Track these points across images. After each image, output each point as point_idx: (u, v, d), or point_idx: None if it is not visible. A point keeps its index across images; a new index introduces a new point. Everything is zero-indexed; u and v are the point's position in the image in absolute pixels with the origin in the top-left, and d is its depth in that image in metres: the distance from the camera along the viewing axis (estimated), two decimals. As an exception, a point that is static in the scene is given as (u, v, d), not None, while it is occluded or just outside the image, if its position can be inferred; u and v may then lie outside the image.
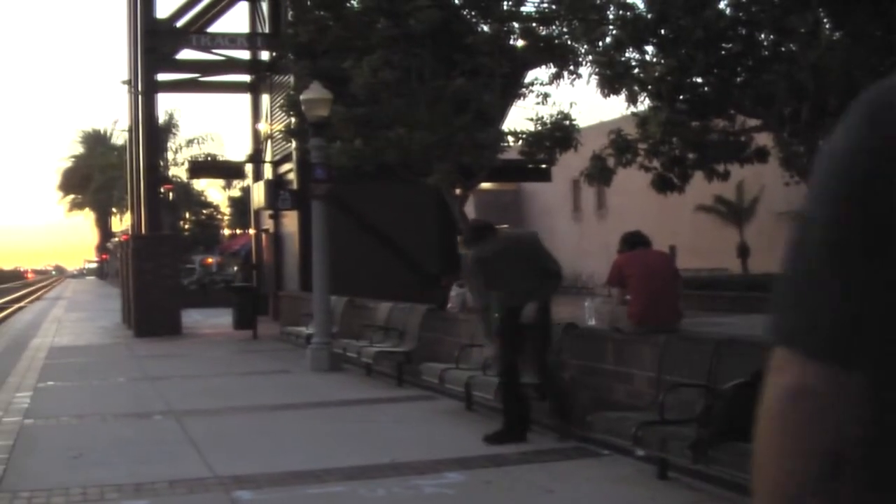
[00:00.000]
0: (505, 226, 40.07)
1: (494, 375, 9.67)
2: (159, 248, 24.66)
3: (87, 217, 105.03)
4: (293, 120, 20.92)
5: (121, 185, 56.75)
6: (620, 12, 14.25)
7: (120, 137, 66.22)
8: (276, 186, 26.54)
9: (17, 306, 48.18)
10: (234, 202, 60.47)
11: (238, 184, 55.59)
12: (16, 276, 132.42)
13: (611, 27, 14.61)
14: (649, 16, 13.66)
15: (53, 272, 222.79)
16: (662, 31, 13.58)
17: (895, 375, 1.27)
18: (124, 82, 28.23)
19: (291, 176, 26.55)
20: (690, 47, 13.12)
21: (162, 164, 38.51)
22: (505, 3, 18.33)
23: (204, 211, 62.03)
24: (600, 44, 14.69)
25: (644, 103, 14.30)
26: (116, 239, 62.22)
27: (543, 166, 23.36)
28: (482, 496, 7.50)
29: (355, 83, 17.17)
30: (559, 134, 17.67)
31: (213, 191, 63.98)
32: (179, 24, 26.22)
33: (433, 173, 17.39)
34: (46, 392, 14.03)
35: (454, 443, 8.83)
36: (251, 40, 27.82)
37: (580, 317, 12.76)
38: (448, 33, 17.33)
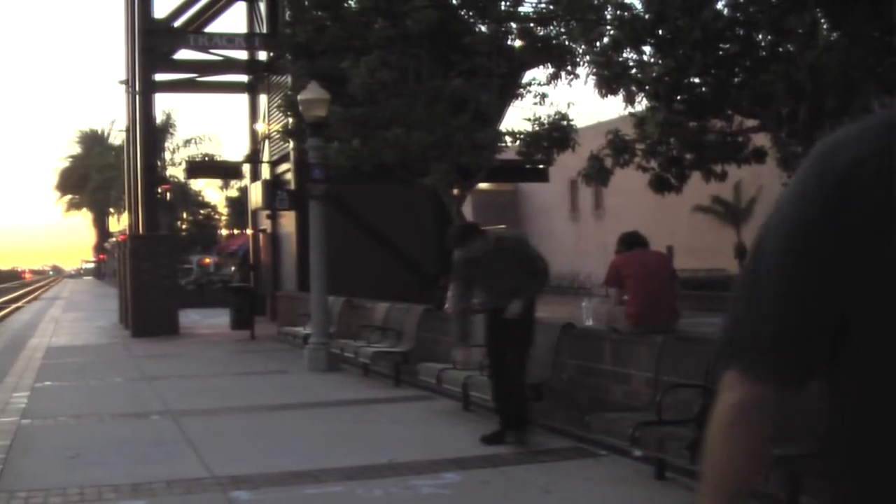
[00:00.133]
0: (502, 226, 40.11)
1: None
2: (157, 249, 24.65)
3: (85, 217, 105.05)
4: (291, 120, 20.92)
5: (118, 185, 56.72)
6: (618, 13, 14.25)
7: (117, 137, 66.26)
8: (273, 186, 26.54)
9: (14, 306, 48.14)
10: (231, 202, 60.48)
11: (235, 184, 55.59)
12: (13, 277, 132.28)
13: (608, 27, 14.60)
14: (647, 16, 13.66)
15: (51, 272, 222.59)
16: (660, 32, 13.58)
17: (835, 385, 1.61)
18: (122, 82, 28.22)
19: (289, 176, 26.56)
20: (688, 48, 13.12)
21: (159, 164, 38.42)
22: (502, 3, 18.33)
23: (201, 211, 62.00)
24: (598, 44, 14.69)
25: (642, 104, 14.30)
26: (114, 239, 62.25)
27: (541, 167, 23.35)
28: (479, 496, 7.50)
29: (353, 83, 17.17)
30: (557, 134, 17.68)
31: (211, 191, 64.04)
32: (177, 23, 26.22)
33: (431, 173, 17.39)
34: (44, 392, 14.02)
35: (451, 443, 8.83)
36: (249, 40, 27.81)
37: (578, 317, 12.76)
38: (445, 33, 17.33)
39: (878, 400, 1.57)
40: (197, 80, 29.46)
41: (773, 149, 14.34)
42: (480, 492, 7.60)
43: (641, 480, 7.72)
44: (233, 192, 60.19)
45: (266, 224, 30.38)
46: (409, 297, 16.81)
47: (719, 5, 13.55)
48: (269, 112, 29.09)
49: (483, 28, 18.25)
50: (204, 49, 26.31)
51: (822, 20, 13.01)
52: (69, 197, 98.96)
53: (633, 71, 14.07)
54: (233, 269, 31.31)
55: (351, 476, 8.03)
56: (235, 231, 57.28)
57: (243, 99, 32.24)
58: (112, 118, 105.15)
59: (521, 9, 18.49)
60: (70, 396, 13.60)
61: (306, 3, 19.49)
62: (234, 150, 74.65)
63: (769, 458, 1.79)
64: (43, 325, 31.22)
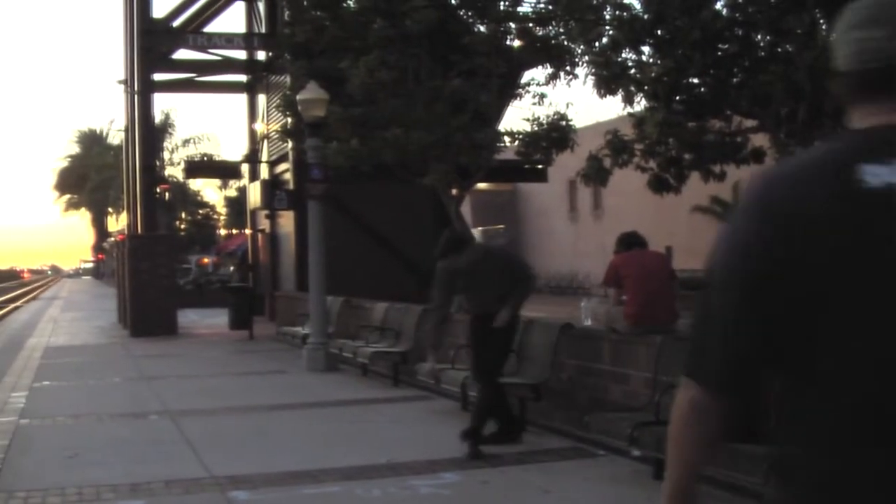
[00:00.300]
0: (501, 226, 40.11)
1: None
2: (155, 248, 24.64)
3: (84, 217, 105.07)
4: (290, 120, 20.92)
5: (117, 185, 56.73)
6: (617, 13, 14.24)
7: (116, 137, 66.30)
8: (272, 186, 26.54)
9: (13, 306, 48.14)
10: (230, 202, 60.50)
11: (234, 184, 55.60)
12: (12, 276, 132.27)
13: (607, 28, 14.59)
14: (646, 16, 13.64)
15: (49, 272, 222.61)
16: (659, 32, 13.56)
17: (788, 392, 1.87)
18: (121, 82, 28.23)
19: (288, 176, 26.55)
20: (687, 48, 13.10)
21: (158, 163, 38.44)
22: (501, 3, 18.33)
23: (200, 211, 62.04)
24: (597, 44, 14.67)
25: (640, 104, 14.28)
26: (112, 239, 62.20)
27: (540, 167, 23.35)
28: (478, 496, 7.50)
29: (352, 83, 17.17)
30: (556, 134, 17.68)
31: (210, 191, 64.07)
32: (176, 23, 26.21)
33: (430, 173, 17.39)
34: (42, 392, 14.02)
35: (450, 443, 8.82)
36: (248, 40, 27.81)
37: (577, 317, 12.75)
38: (445, 33, 17.33)
39: (829, 405, 1.80)
40: (196, 80, 29.46)
41: (771, 149, 14.33)
42: (479, 492, 7.60)
43: (640, 480, 7.73)
44: (231, 192, 60.24)
45: (265, 224, 30.38)
46: (407, 297, 16.81)
47: (718, 6, 13.53)
48: (267, 112, 29.09)
49: (482, 28, 18.25)
50: (203, 49, 26.31)
51: (821, 20, 13.00)
52: (68, 196, 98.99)
53: (632, 71, 14.05)
54: (231, 268, 31.30)
55: (349, 476, 8.03)
56: (234, 231, 57.30)
57: (242, 99, 32.24)
58: (111, 118, 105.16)
59: (520, 9, 18.49)
60: (68, 396, 13.59)
61: (305, 3, 19.48)
62: (232, 149, 74.79)
63: (719, 449, 2.03)
64: (41, 325, 31.22)
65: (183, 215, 58.39)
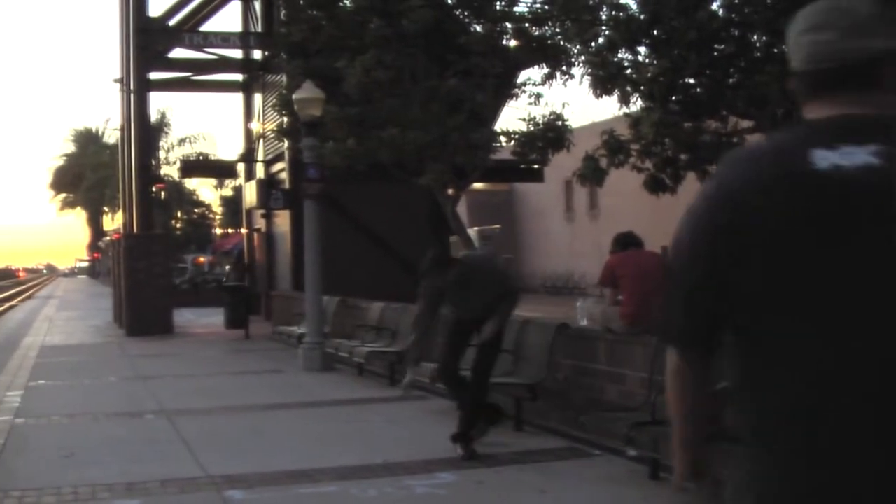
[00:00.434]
0: (497, 226, 40.09)
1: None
2: (151, 247, 24.62)
3: (79, 216, 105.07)
4: (286, 119, 20.91)
5: (113, 184, 56.65)
6: (613, 13, 14.23)
7: (112, 136, 66.19)
8: (268, 186, 26.55)
9: (8, 305, 48.07)
10: (226, 201, 60.44)
11: (230, 183, 55.56)
12: (7, 275, 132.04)
13: (604, 28, 14.59)
14: (642, 17, 13.64)
15: (45, 271, 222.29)
16: (655, 32, 13.56)
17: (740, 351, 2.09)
18: (116, 81, 28.17)
19: (284, 175, 26.54)
20: (683, 48, 13.10)
21: (154, 162, 38.45)
22: (498, 3, 18.34)
23: (196, 210, 61.96)
24: (593, 44, 14.66)
25: (637, 104, 14.27)
26: (108, 238, 62.21)
27: (536, 167, 23.40)
28: (474, 496, 7.51)
29: (348, 83, 17.17)
30: (552, 134, 17.69)
31: (206, 190, 63.97)
32: (172, 22, 26.18)
33: (426, 173, 17.39)
34: (37, 391, 14.00)
35: (446, 443, 8.82)
36: (244, 39, 27.79)
37: (572, 317, 12.75)
38: (441, 33, 17.34)
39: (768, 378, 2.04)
40: (192, 79, 29.43)
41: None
42: (475, 492, 7.60)
43: (636, 480, 7.73)
44: (227, 192, 60.15)
45: (261, 223, 30.37)
46: (403, 297, 16.79)
47: (714, 6, 13.54)
48: (264, 111, 29.07)
49: (478, 28, 18.26)
50: (199, 48, 26.28)
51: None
52: (63, 195, 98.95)
53: (629, 71, 14.05)
54: (228, 268, 31.28)
55: (345, 476, 8.03)
56: (230, 230, 57.27)
57: (238, 98, 32.22)
58: (107, 117, 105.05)
59: (516, 9, 18.51)
60: (64, 395, 13.58)
61: (301, 2, 19.47)
62: (228, 149, 74.75)
63: (714, 399, 2.28)
64: (37, 324, 31.19)
65: (179, 214, 58.35)
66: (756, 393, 2.06)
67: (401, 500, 7.40)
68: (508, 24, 18.19)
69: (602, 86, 13.99)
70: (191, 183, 58.15)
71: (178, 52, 26.99)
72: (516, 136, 18.16)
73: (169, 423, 10.92)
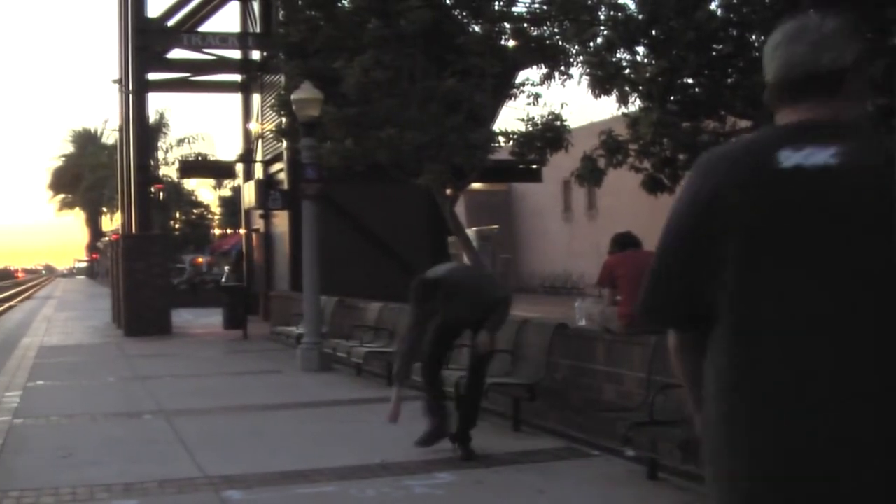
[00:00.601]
0: (495, 227, 40.06)
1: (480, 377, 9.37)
2: (150, 248, 24.62)
3: (78, 216, 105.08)
4: (284, 120, 20.90)
5: (111, 185, 56.70)
6: (612, 13, 14.24)
7: (110, 137, 66.32)
8: (266, 186, 26.53)
9: (7, 305, 48.08)
10: (224, 202, 60.41)
11: (229, 183, 55.58)
12: (6, 276, 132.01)
13: (602, 28, 14.59)
14: (641, 17, 13.65)
15: (43, 271, 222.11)
16: (654, 32, 13.56)
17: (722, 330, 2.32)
18: (115, 81, 28.16)
19: (282, 176, 26.54)
20: (682, 48, 13.11)
21: (153, 163, 38.42)
22: (496, 3, 18.34)
23: (194, 210, 61.87)
24: (591, 44, 14.66)
25: (635, 104, 14.27)
26: (107, 238, 62.19)
27: (534, 167, 23.39)
28: (472, 496, 7.51)
29: (346, 83, 17.16)
30: (550, 134, 17.69)
31: (204, 190, 63.92)
32: (170, 23, 26.18)
33: (424, 173, 17.38)
34: (36, 391, 14.00)
35: (444, 443, 8.83)
36: (242, 40, 27.79)
37: (571, 317, 12.76)
38: (439, 33, 17.34)
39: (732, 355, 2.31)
40: (190, 80, 29.44)
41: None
42: (473, 492, 7.60)
43: (634, 480, 7.74)
44: (226, 192, 60.15)
45: (259, 223, 30.37)
46: (401, 297, 16.77)
47: (713, 6, 13.55)
48: (262, 111, 29.07)
49: (477, 28, 18.26)
50: (197, 48, 26.28)
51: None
52: (62, 196, 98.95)
53: (627, 71, 14.05)
54: (226, 268, 31.28)
55: (344, 476, 8.03)
56: (228, 230, 57.25)
57: (237, 98, 32.20)
58: (105, 117, 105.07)
59: (514, 9, 18.52)
60: (62, 396, 13.58)
61: (300, 2, 19.47)
62: (227, 149, 74.72)
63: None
64: (35, 325, 31.18)
65: (177, 215, 58.28)
66: (720, 362, 2.35)
67: (399, 500, 7.40)
68: (507, 25, 18.19)
69: (600, 86, 13.99)
70: (189, 183, 58.11)
71: (176, 53, 27.02)
72: (515, 137, 18.16)
73: (167, 423, 10.91)
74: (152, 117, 44.20)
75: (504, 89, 18.53)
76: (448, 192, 18.75)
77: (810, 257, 2.23)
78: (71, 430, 10.80)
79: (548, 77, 17.79)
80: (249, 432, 10.30)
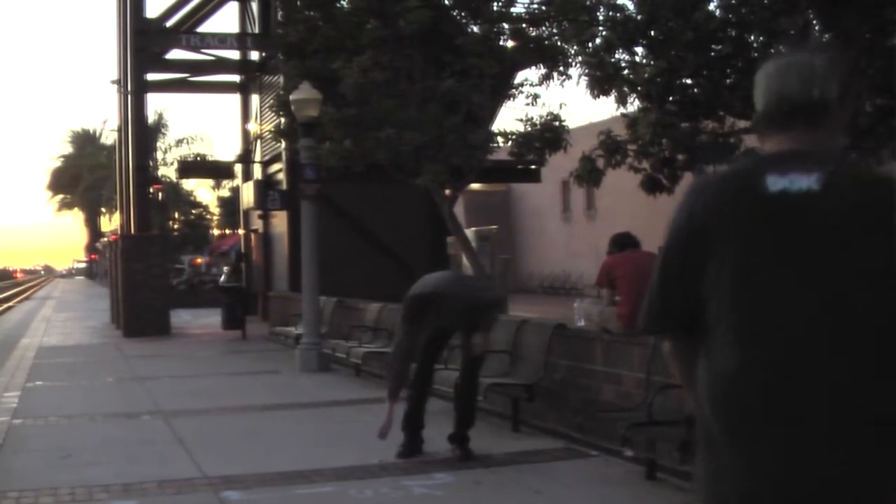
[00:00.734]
0: (494, 227, 40.12)
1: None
2: (149, 248, 24.62)
3: (77, 217, 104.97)
4: (283, 120, 20.89)
5: (110, 185, 56.68)
6: (610, 14, 14.25)
7: (109, 137, 66.15)
8: (265, 186, 26.52)
9: (5, 306, 48.06)
10: (223, 202, 60.42)
11: (227, 184, 55.56)
12: (5, 276, 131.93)
13: (601, 28, 14.59)
14: (639, 17, 13.65)
15: (42, 272, 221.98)
16: (652, 33, 13.57)
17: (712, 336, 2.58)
18: (114, 82, 28.16)
19: (281, 176, 26.54)
20: (680, 49, 13.12)
21: (151, 163, 38.37)
22: (495, 3, 18.33)
23: (193, 211, 61.89)
24: (590, 45, 14.66)
25: (634, 104, 14.28)
26: (106, 239, 62.08)
27: (533, 167, 23.39)
28: (471, 497, 7.51)
29: (345, 83, 17.16)
30: (549, 135, 17.68)
31: (203, 191, 63.98)
32: (169, 23, 26.18)
33: (423, 174, 17.37)
34: (35, 392, 14.00)
35: (443, 443, 8.82)
36: (241, 40, 27.78)
37: (569, 317, 12.76)
38: (438, 34, 17.33)
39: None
40: (189, 80, 29.43)
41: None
42: (472, 492, 7.60)
43: (632, 481, 7.74)
44: (225, 192, 60.14)
45: (258, 224, 30.35)
46: (400, 298, 16.73)
47: (711, 6, 13.56)
48: (261, 112, 29.06)
49: (475, 29, 18.26)
50: (196, 49, 26.28)
51: (814, 21, 13.03)
52: (61, 196, 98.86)
53: (626, 72, 14.06)
54: (226, 269, 31.29)
55: (342, 476, 8.04)
56: (227, 231, 57.22)
57: (235, 99, 32.20)
58: (104, 118, 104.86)
59: (513, 9, 18.50)
60: (61, 396, 13.57)
61: (298, 3, 19.47)
62: (226, 150, 74.73)
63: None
64: (34, 325, 31.17)
65: (176, 215, 58.27)
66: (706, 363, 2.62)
67: (398, 500, 7.40)
68: (505, 25, 18.18)
69: (599, 86, 14.00)
70: (188, 184, 58.14)
71: (175, 54, 27.02)
72: (513, 137, 18.16)
73: (166, 423, 10.91)
74: (151, 118, 44.23)
75: (503, 90, 18.53)
76: (447, 192, 18.75)
77: (797, 266, 2.48)
78: (70, 430, 10.80)
79: (546, 77, 17.79)
80: (248, 433, 10.30)
